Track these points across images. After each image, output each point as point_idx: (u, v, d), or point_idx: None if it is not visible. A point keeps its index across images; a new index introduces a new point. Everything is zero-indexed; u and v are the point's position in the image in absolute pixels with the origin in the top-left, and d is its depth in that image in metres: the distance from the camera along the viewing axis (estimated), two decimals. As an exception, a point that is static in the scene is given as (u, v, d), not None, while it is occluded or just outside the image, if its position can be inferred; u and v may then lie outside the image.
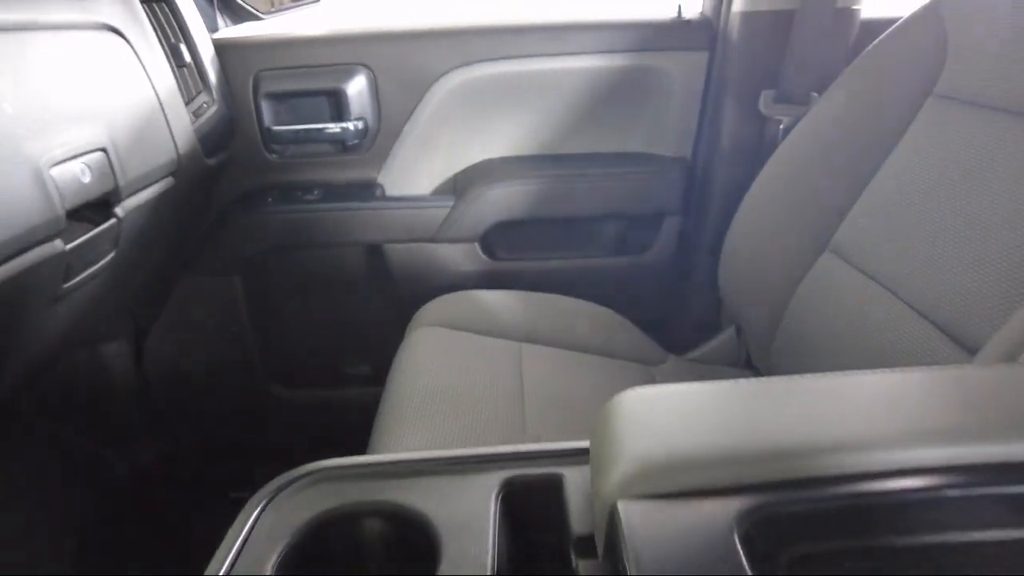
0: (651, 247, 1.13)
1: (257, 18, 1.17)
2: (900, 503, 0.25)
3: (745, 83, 0.99)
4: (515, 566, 0.36)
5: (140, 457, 1.28)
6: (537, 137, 1.10)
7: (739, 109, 1.00)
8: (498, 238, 1.12)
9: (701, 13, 1.05)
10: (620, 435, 0.27)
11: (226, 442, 1.30)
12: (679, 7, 1.04)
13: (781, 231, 0.82)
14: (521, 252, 1.14)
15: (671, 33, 1.03)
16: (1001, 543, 0.25)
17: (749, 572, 0.22)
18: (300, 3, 1.27)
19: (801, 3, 0.92)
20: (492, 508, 0.34)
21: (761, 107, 0.97)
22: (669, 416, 0.28)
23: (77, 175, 0.67)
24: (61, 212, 0.64)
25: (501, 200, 1.07)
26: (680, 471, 0.25)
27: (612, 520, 0.25)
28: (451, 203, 1.08)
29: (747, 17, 0.97)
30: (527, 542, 0.37)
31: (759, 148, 0.99)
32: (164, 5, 0.91)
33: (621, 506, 0.25)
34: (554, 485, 0.36)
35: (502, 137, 1.11)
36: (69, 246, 0.67)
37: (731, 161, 1.03)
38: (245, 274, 1.14)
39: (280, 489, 0.37)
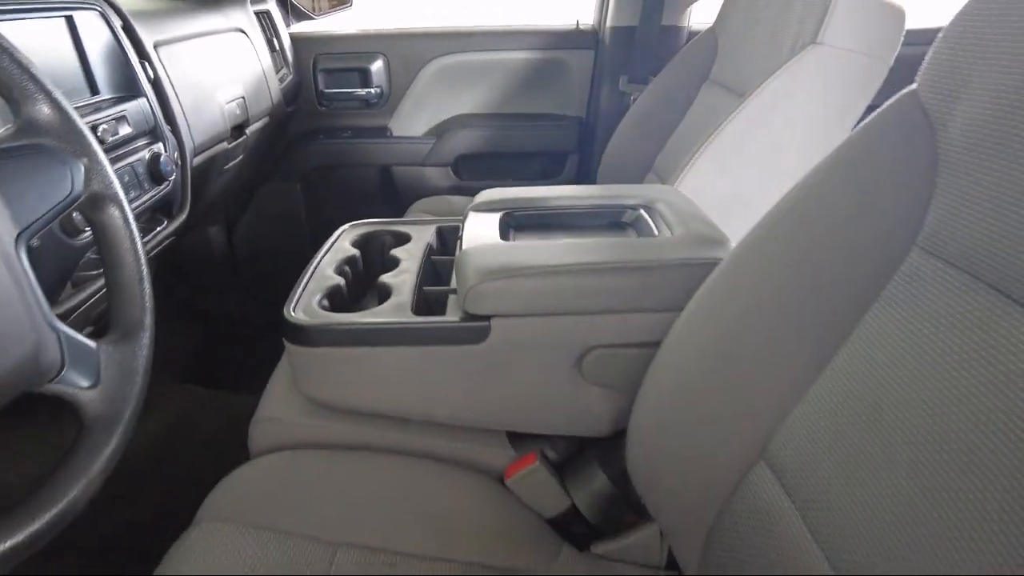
0: (559, 176, 1.77)
1: (311, 18, 1.80)
2: None
3: (613, 70, 1.62)
4: None
5: (229, 308, 1.93)
6: (487, 102, 1.73)
7: (610, 86, 1.63)
8: (462, 164, 1.76)
9: (590, 24, 1.68)
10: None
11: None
12: (577, 21, 1.66)
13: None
14: (477, 174, 1.78)
15: (571, 37, 1.66)
16: None
17: None
18: (337, 8, 1.90)
19: (638, 22, 1.54)
20: None
21: (620, 86, 1.60)
22: None
23: (234, 109, 1.31)
24: (227, 128, 1.29)
25: (464, 140, 1.71)
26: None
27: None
28: (433, 141, 1.72)
29: (614, 29, 1.59)
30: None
31: (621, 111, 1.62)
32: (264, 14, 1.55)
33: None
34: None
35: (465, 101, 1.74)
36: (229, 145, 1.32)
37: (607, 118, 1.65)
38: (302, 183, 1.79)
39: None
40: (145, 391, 0.56)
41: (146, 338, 0.57)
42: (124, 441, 0.53)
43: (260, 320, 1.86)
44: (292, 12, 1.74)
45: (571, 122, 1.71)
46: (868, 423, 0.44)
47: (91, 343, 0.53)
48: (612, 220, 0.95)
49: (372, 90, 1.68)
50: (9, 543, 0.42)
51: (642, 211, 0.93)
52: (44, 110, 0.54)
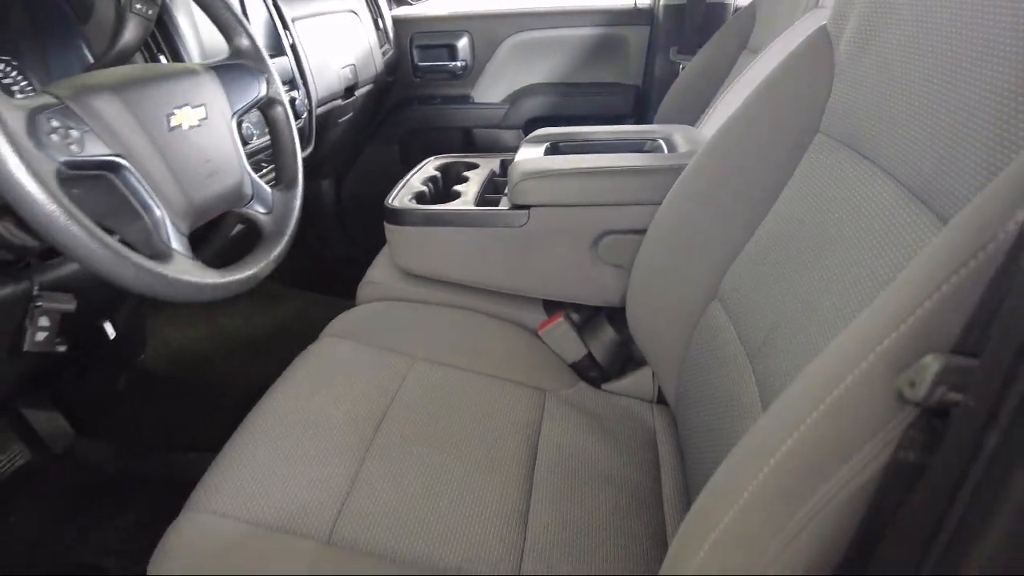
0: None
1: (409, 3, 2.13)
2: None
3: (665, 43, 1.85)
4: None
5: (337, 249, 2.29)
6: (554, 72, 2.00)
7: (663, 57, 1.86)
8: (532, 127, 2.04)
9: (647, 3, 1.91)
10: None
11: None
12: (635, 1, 1.91)
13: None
14: (545, 136, 2.05)
15: (629, 15, 1.90)
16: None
17: None
18: (433, -6, 2.22)
19: (687, 1, 1.77)
20: None
21: (671, 56, 1.83)
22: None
23: (346, 73, 1.65)
24: (341, 88, 1.62)
25: (534, 106, 1.99)
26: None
27: None
28: (508, 106, 2.01)
29: (666, 7, 1.82)
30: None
31: (672, 79, 1.84)
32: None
33: None
34: None
35: (536, 72, 2.01)
36: (343, 102, 1.65)
37: (659, 85, 1.89)
38: (399, 144, 2.12)
39: None
40: (297, 222, 0.87)
41: (298, 190, 0.89)
42: (286, 248, 0.84)
43: (363, 262, 2.20)
44: (395, -1, 2.07)
45: (628, 90, 1.95)
46: (781, 262, 0.67)
47: (268, 188, 0.86)
48: (635, 148, 1.20)
49: (458, 63, 1.98)
50: (234, 277, 0.74)
51: (660, 140, 1.18)
52: (244, 42, 0.86)
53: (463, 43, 1.98)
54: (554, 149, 1.21)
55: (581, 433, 0.90)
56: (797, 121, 0.72)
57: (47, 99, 0.62)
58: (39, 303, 0.75)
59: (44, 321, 0.75)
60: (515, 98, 2.03)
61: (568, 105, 1.98)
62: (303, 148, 1.39)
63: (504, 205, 1.08)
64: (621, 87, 1.97)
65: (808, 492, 0.39)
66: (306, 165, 1.53)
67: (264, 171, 1.15)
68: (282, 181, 0.89)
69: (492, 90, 2.04)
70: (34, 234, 0.72)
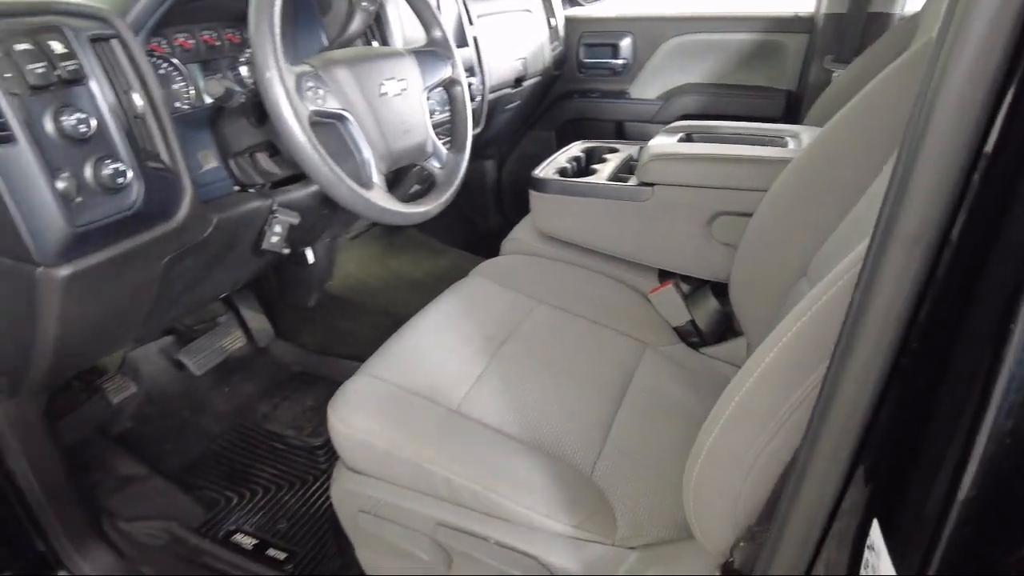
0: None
1: (580, 5, 2.33)
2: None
3: (822, 50, 1.89)
4: None
5: (491, 223, 2.56)
6: (709, 73, 2.11)
7: (818, 64, 1.91)
8: (682, 124, 2.17)
9: (807, 12, 1.97)
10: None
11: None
12: (796, 11, 1.97)
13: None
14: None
15: (789, 22, 1.97)
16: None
17: None
18: (604, -2, 2.40)
19: (847, 9, 1.81)
20: None
21: (824, 63, 1.88)
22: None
23: (517, 65, 1.89)
24: (512, 78, 1.86)
25: (687, 104, 2.12)
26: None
27: None
28: (661, 103, 2.15)
29: (827, 16, 1.87)
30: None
31: (825, 85, 1.89)
32: (547, 0, 2.11)
33: None
34: None
35: (692, 72, 2.14)
36: (512, 91, 1.89)
37: (812, 91, 1.94)
38: (557, 132, 2.34)
39: None
40: (462, 178, 1.11)
41: (465, 153, 1.12)
42: (452, 196, 1.08)
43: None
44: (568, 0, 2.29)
45: (780, 94, 2.01)
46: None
47: (444, 149, 1.10)
48: (762, 142, 1.32)
49: (620, 61, 2.15)
50: (413, 210, 0.98)
51: (787, 138, 1.29)
52: (438, 33, 1.11)
53: (626, 43, 2.14)
54: (687, 138, 1.36)
55: (670, 380, 1.06)
56: (892, 126, 0.83)
57: (306, 67, 0.89)
58: (275, 215, 1.04)
59: (277, 228, 1.05)
60: (669, 96, 2.17)
61: (719, 105, 2.08)
62: (474, 127, 1.65)
63: (632, 183, 1.25)
64: (773, 91, 2.04)
65: (773, 410, 0.55)
66: (474, 144, 1.80)
67: (441, 141, 1.41)
68: (455, 145, 1.13)
69: (648, 87, 2.19)
70: (280, 164, 1.01)
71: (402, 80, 1.01)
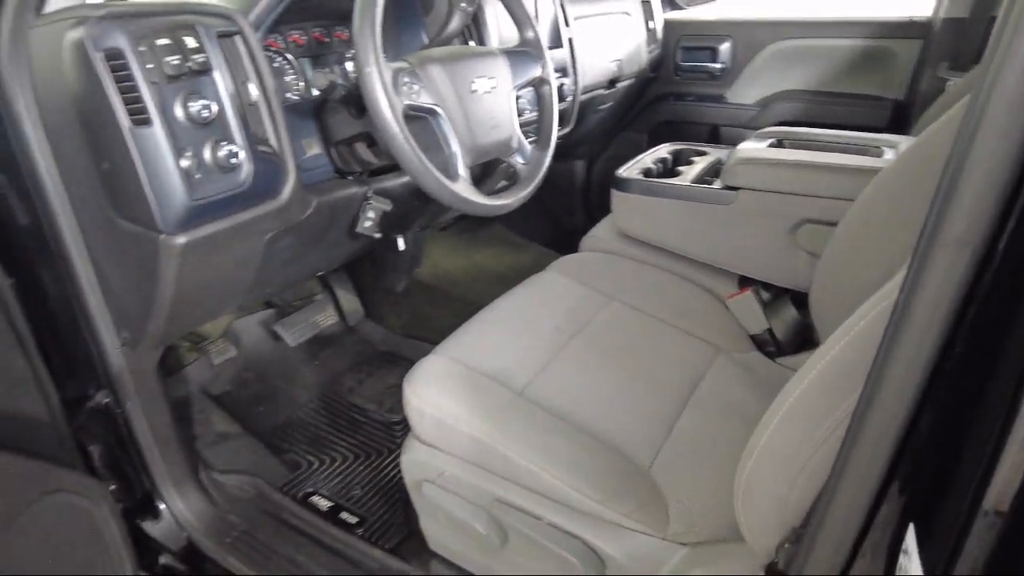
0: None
1: (681, 8, 2.31)
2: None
3: (937, 57, 1.79)
4: None
5: (576, 222, 2.58)
6: (811, 80, 2.04)
7: (931, 72, 1.81)
8: (780, 131, 2.11)
9: (923, 16, 1.87)
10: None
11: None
12: (911, 16, 1.87)
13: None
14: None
15: (901, 27, 1.87)
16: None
17: None
18: (704, 1, 2.37)
19: (968, 14, 1.70)
20: None
21: (938, 71, 1.78)
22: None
23: (612, 67, 1.90)
24: (605, 79, 1.88)
25: (785, 110, 2.06)
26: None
27: None
28: (759, 109, 2.11)
29: (945, 20, 1.77)
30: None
31: (937, 94, 1.79)
32: (647, 3, 2.11)
33: None
34: None
35: (792, 78, 2.07)
36: (604, 92, 1.90)
37: (923, 100, 1.84)
38: (649, 134, 2.33)
39: None
40: (544, 174, 1.14)
41: (549, 150, 1.16)
42: (533, 191, 1.12)
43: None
44: (668, 2, 2.27)
45: (887, 103, 1.92)
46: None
47: (529, 145, 1.14)
48: (857, 151, 1.28)
49: (718, 65, 2.12)
50: (495, 202, 1.03)
51: (885, 147, 1.25)
52: (530, 34, 1.15)
53: (725, 47, 2.11)
54: (779, 144, 1.33)
55: (741, 387, 1.05)
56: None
57: (403, 64, 0.95)
58: (369, 201, 1.12)
59: (371, 214, 1.12)
60: (767, 102, 2.12)
61: (820, 112, 2.01)
62: (564, 126, 1.68)
63: (717, 186, 1.25)
64: (880, 100, 1.95)
65: (826, 414, 0.55)
66: (564, 143, 1.83)
67: (529, 140, 1.45)
68: (539, 142, 1.17)
69: (746, 92, 2.15)
70: (377, 154, 1.08)
71: (492, 78, 1.06)
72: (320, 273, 1.69)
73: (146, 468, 1.13)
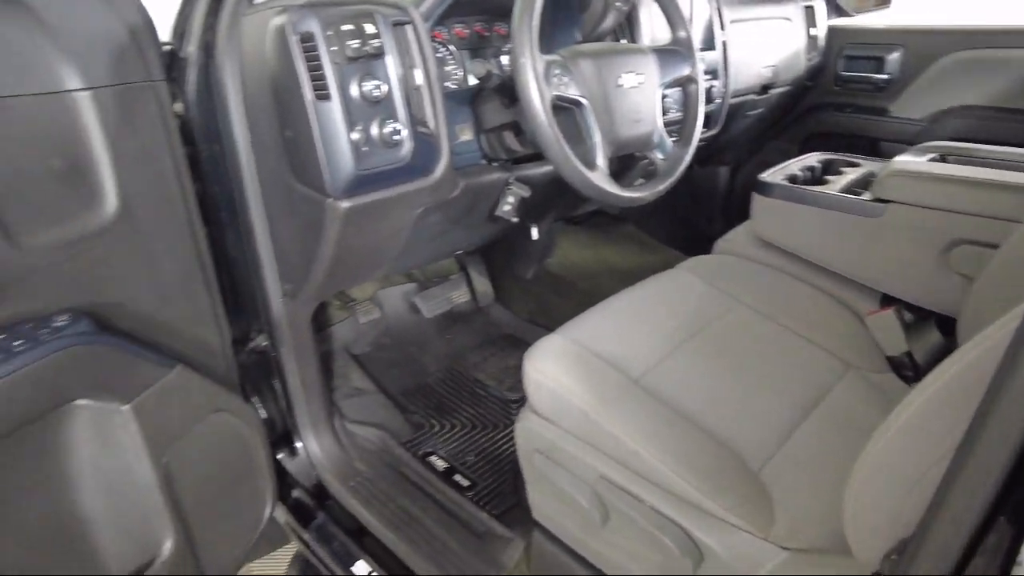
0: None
1: (848, 15, 2.19)
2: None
3: None
4: None
5: (715, 230, 2.52)
6: (994, 95, 1.87)
7: None
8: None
9: None
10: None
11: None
12: None
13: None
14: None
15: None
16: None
17: None
18: (878, 7, 2.23)
19: None
20: None
21: None
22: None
23: (766, 72, 1.85)
24: (757, 85, 1.83)
25: (959, 128, 1.90)
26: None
27: None
28: (926, 124, 1.96)
29: None
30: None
31: None
32: (809, 8, 2.03)
33: None
34: None
35: (971, 93, 1.91)
36: (756, 97, 1.86)
37: None
38: (800, 145, 2.24)
39: None
40: (683, 170, 1.15)
41: (690, 148, 1.17)
42: (669, 186, 1.13)
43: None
44: (834, 9, 2.17)
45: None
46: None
47: (670, 141, 1.16)
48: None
49: (883, 76, 2.00)
50: (630, 194, 1.06)
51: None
52: (682, 34, 1.16)
53: (894, 56, 1.99)
54: (941, 159, 1.25)
55: (869, 407, 1.01)
56: None
57: (555, 58, 1.01)
58: (510, 186, 1.19)
59: (510, 199, 1.19)
60: (939, 117, 1.96)
61: (1000, 131, 1.84)
62: (709, 128, 1.67)
63: (867, 197, 1.20)
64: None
65: (947, 430, 0.54)
66: (708, 148, 1.81)
67: (671, 139, 1.46)
68: (681, 139, 1.18)
69: (914, 106, 2.01)
70: (523, 143, 1.15)
71: (640, 74, 1.09)
72: (459, 252, 1.80)
73: (290, 408, 1.27)
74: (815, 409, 0.97)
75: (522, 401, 1.05)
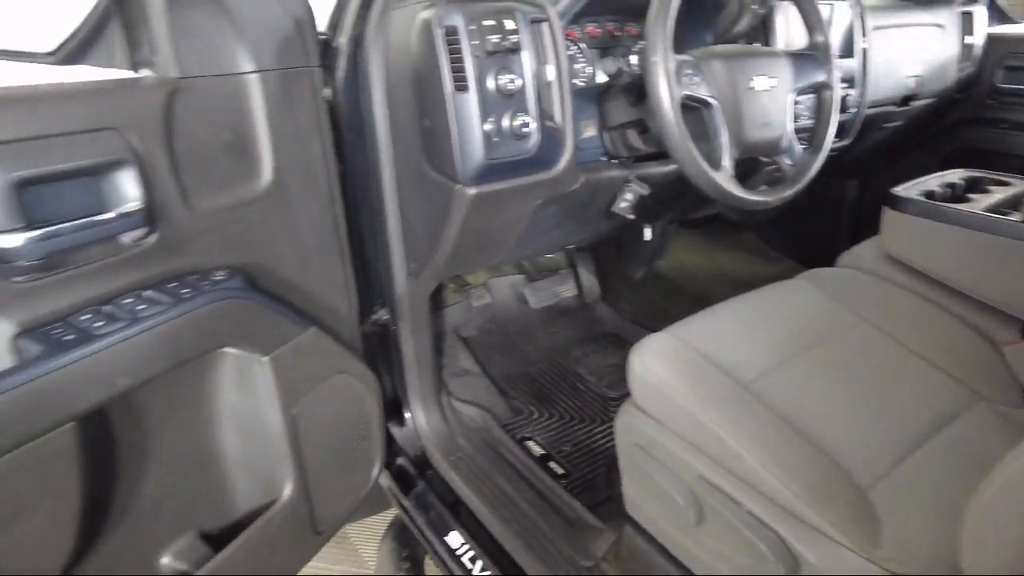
0: None
1: (1014, 22, 2.02)
2: None
3: None
4: None
5: (840, 247, 2.40)
6: None
7: None
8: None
9: None
10: None
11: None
12: None
13: None
14: None
15: None
16: None
17: None
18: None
19: None
20: None
21: None
22: None
23: (909, 83, 1.74)
24: (898, 96, 1.73)
25: None
26: None
27: None
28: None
29: None
30: None
31: None
32: (967, 15, 1.89)
33: None
34: None
35: None
36: (895, 109, 1.76)
37: None
38: (941, 160, 2.09)
39: None
40: (811, 178, 1.12)
41: (820, 156, 1.14)
42: (795, 193, 1.11)
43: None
44: (996, 15, 2.01)
45: None
46: None
47: (799, 147, 1.13)
48: None
49: (1049, 91, 1.84)
50: (753, 197, 1.04)
51: None
52: (820, 39, 1.14)
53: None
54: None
55: (999, 441, 0.95)
56: None
57: (687, 57, 1.01)
58: (630, 183, 1.20)
59: (628, 196, 1.20)
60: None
61: None
62: (842, 138, 1.61)
63: (1016, 218, 1.12)
64: None
65: None
66: (839, 159, 1.73)
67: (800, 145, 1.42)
68: (812, 145, 1.15)
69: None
70: (647, 142, 1.16)
71: (773, 78, 1.08)
72: (571, 246, 1.83)
73: (403, 380, 1.35)
74: (936, 436, 0.92)
75: (621, 399, 1.06)
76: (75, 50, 0.91)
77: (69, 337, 0.73)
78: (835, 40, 1.51)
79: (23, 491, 0.70)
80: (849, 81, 1.53)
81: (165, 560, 0.96)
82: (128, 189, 0.79)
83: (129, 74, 0.87)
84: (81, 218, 0.75)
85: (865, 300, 1.19)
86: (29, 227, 0.70)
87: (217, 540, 0.98)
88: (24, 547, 0.73)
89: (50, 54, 0.91)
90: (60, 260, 0.75)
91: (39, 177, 0.72)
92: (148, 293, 0.82)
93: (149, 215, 0.81)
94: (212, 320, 0.85)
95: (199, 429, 0.96)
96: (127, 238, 0.81)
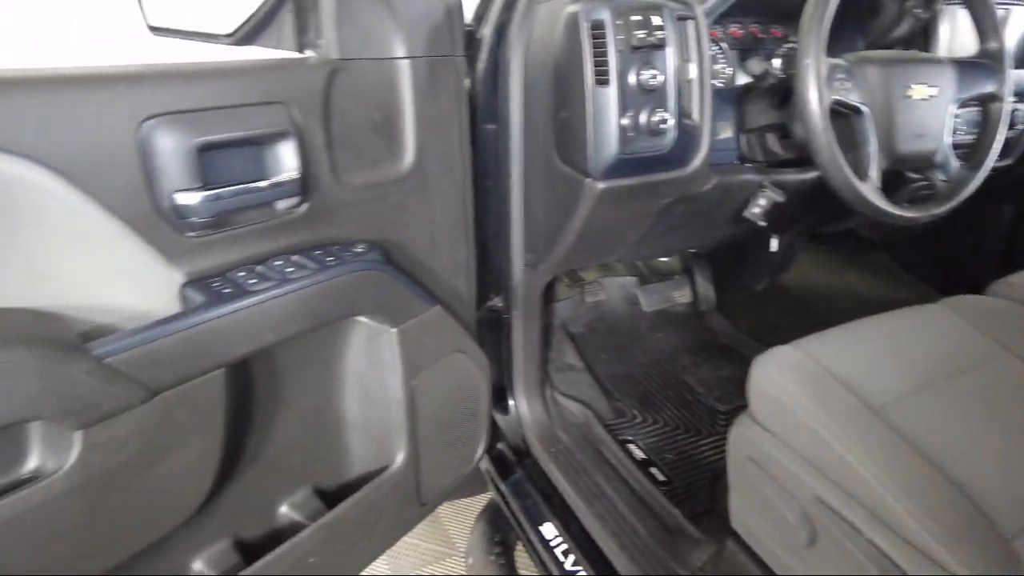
0: None
1: None
2: None
3: None
4: None
5: (988, 277, 2.21)
6: None
7: None
8: None
9: None
10: None
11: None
12: None
13: None
14: None
15: None
16: None
17: None
18: None
19: None
20: None
21: None
22: None
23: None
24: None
25: None
26: None
27: None
28: None
29: None
30: None
31: None
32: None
33: None
34: None
35: None
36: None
37: None
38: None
39: None
40: (965, 196, 1.04)
41: (979, 173, 1.05)
42: (946, 211, 1.03)
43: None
44: None
45: None
46: None
47: (956, 163, 1.05)
48: None
49: None
50: (898, 211, 0.98)
51: None
52: (994, 46, 1.05)
53: None
54: None
55: None
56: None
57: (840, 62, 0.97)
58: (764, 189, 1.16)
59: (762, 201, 1.17)
60: None
61: None
62: (1004, 157, 1.48)
63: None
64: None
65: None
66: (997, 180, 1.58)
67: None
68: (971, 161, 1.07)
69: None
70: (786, 147, 1.12)
71: (933, 87, 1.01)
72: (692, 250, 1.79)
73: (510, 367, 1.38)
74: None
75: (731, 413, 1.03)
76: (250, 32, 0.99)
77: (227, 290, 0.80)
78: (1011, 46, 1.39)
79: (178, 425, 0.78)
80: (1021, 95, 1.41)
81: (283, 509, 1.03)
82: (287, 160, 0.86)
83: (296, 55, 0.94)
84: (246, 183, 0.82)
85: (1016, 332, 1.09)
86: (205, 187, 0.78)
87: (331, 497, 1.04)
88: (174, 477, 0.80)
89: (229, 35, 1.01)
90: (225, 220, 0.82)
91: (216, 143, 0.79)
92: (296, 258, 0.88)
93: (303, 185, 0.87)
94: (351, 289, 0.90)
95: (326, 390, 1.02)
96: (282, 205, 0.87)
